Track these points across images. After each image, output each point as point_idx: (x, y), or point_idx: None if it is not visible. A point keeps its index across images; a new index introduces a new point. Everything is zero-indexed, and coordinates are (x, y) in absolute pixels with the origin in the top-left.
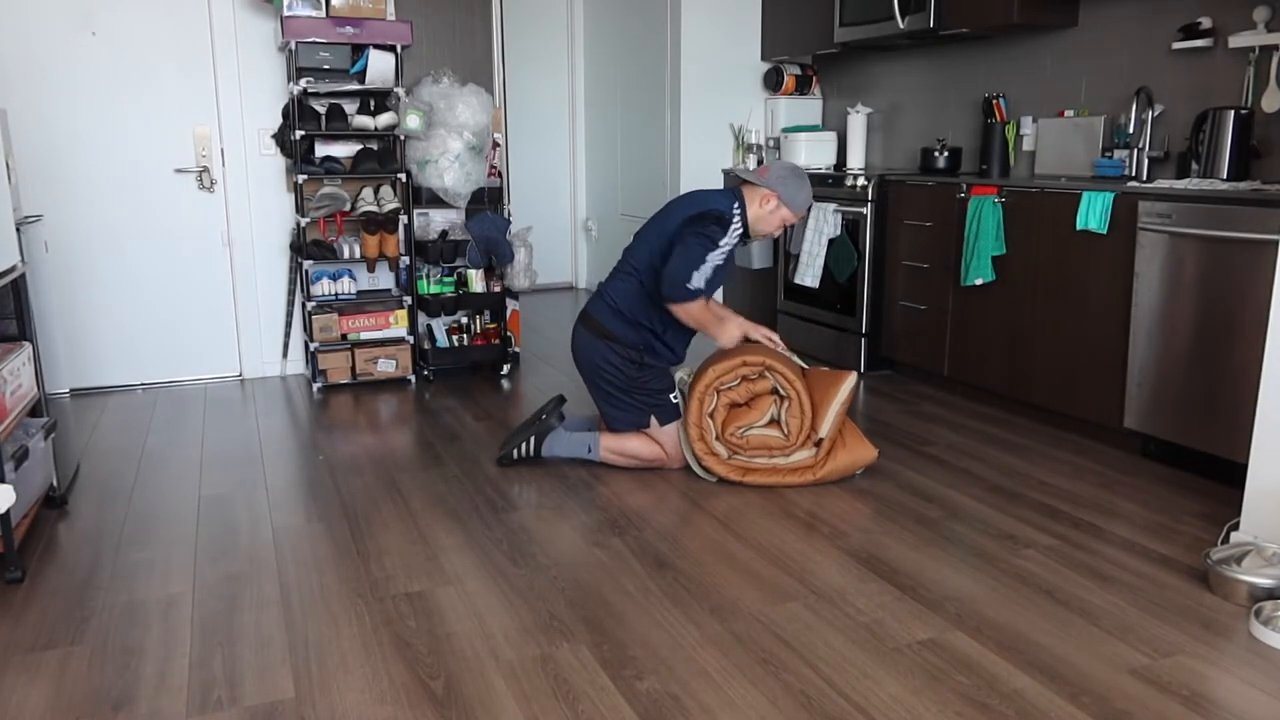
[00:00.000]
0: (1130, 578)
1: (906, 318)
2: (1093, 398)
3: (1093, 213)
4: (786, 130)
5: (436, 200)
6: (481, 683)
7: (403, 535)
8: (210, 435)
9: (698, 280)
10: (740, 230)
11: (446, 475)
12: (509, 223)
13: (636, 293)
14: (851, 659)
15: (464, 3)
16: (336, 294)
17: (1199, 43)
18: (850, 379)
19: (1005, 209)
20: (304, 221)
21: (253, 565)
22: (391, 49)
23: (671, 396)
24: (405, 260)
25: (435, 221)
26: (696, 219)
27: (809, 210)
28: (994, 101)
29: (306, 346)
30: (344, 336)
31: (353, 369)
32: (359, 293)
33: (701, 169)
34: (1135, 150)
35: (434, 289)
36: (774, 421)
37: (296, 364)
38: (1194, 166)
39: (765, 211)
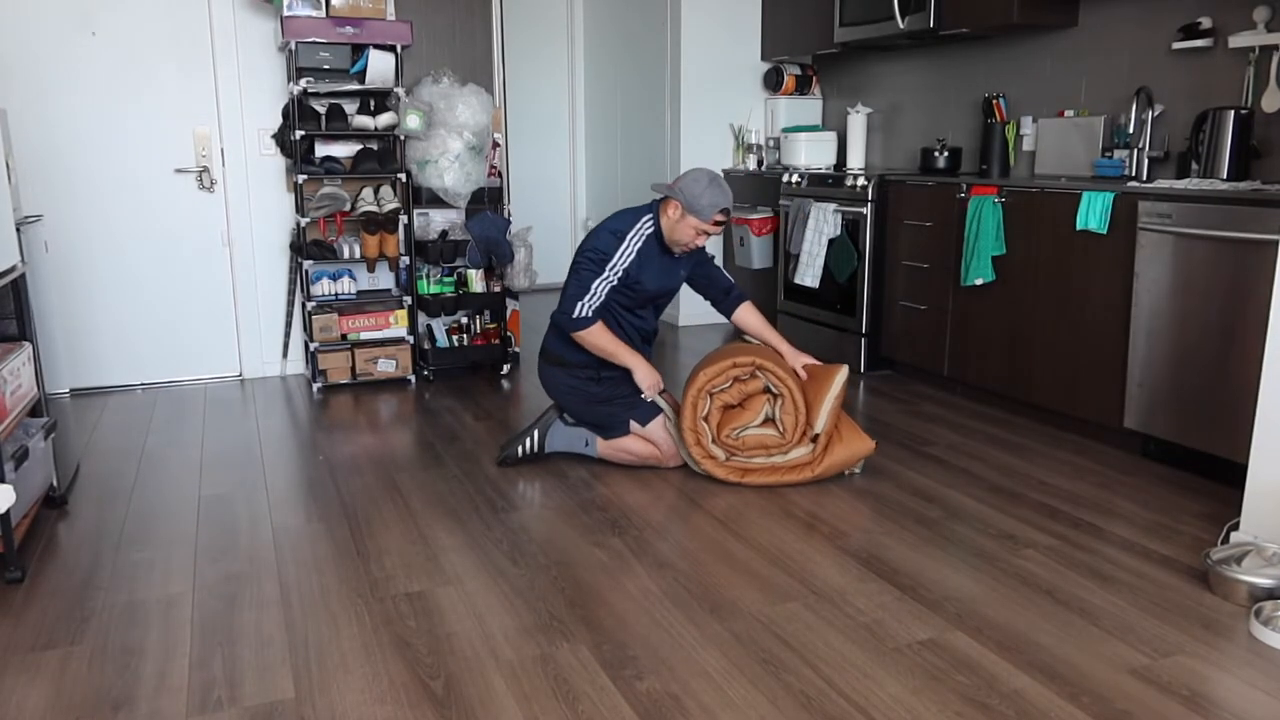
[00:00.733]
0: (1130, 578)
1: (906, 318)
2: (1093, 398)
3: (1093, 213)
4: (786, 130)
5: (436, 200)
6: (481, 683)
7: (403, 535)
8: (210, 435)
9: (583, 309)
10: (642, 243)
11: (446, 475)
12: (509, 223)
13: None
14: (851, 659)
15: (464, 3)
16: (336, 294)
17: (1199, 43)
18: (842, 372)
19: (1005, 209)
20: (304, 221)
21: (253, 565)
22: (391, 49)
23: (643, 396)
24: (405, 260)
25: (435, 221)
26: (586, 242)
27: (727, 216)
28: (994, 101)
29: (306, 346)
30: (344, 336)
31: (353, 369)
32: (359, 293)
33: None
34: (1135, 150)
35: (434, 289)
36: (769, 420)
37: (296, 364)
38: (1194, 166)
39: (674, 220)
